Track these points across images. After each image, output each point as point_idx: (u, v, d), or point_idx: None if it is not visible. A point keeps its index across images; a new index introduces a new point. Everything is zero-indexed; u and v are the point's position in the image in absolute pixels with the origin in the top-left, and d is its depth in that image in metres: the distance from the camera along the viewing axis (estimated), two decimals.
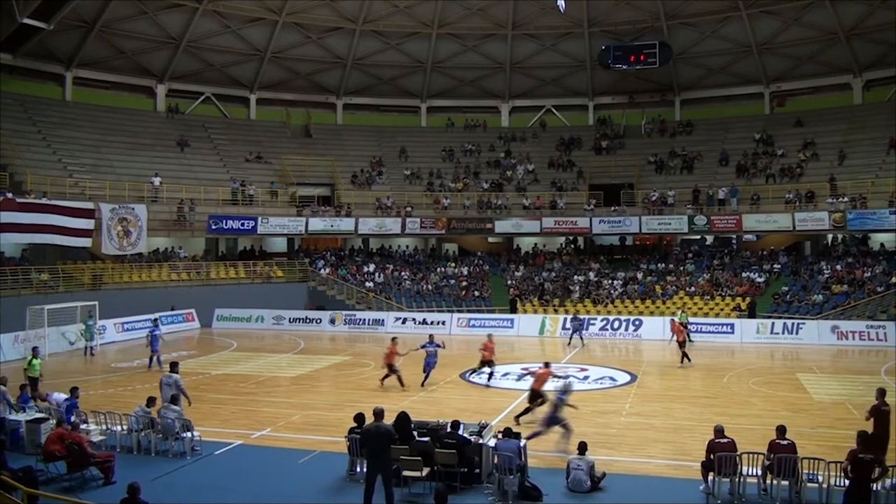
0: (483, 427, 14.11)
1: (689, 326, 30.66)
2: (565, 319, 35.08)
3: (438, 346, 22.53)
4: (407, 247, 47.62)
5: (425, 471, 12.83)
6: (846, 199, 38.61)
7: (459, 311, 38.32)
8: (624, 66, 47.85)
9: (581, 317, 33.82)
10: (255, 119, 50.96)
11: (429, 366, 22.26)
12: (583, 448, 13.46)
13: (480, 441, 13.54)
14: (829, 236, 41.88)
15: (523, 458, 13.16)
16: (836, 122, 45.71)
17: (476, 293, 40.60)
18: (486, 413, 17.65)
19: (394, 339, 22.89)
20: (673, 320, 30.19)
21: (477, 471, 13.29)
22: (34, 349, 20.89)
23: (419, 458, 12.90)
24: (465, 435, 13.54)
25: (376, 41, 48.90)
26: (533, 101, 53.09)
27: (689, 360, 26.45)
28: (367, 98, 52.72)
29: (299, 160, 47.55)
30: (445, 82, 52.02)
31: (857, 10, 42.99)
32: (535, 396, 17.52)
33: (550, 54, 50.01)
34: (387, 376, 22.14)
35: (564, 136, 50.77)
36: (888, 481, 11.83)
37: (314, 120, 51.66)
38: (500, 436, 13.45)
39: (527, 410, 17.53)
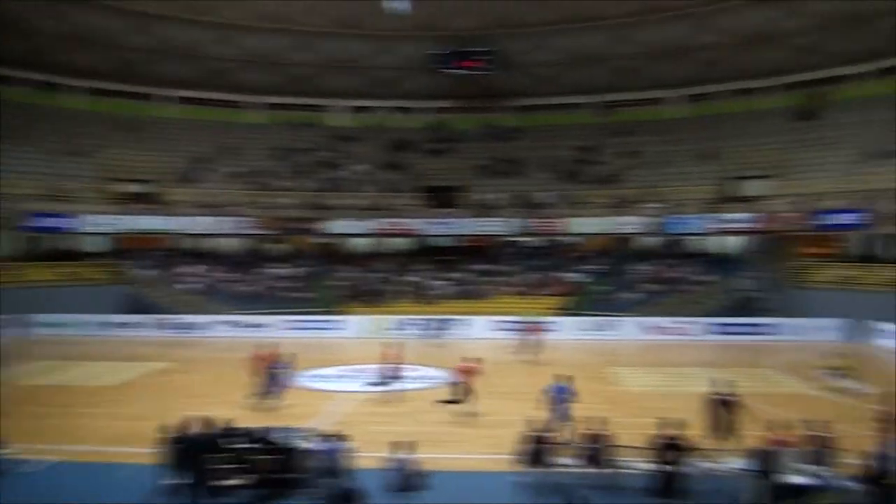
0: (307, 431, 13.83)
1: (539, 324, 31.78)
2: (392, 320, 35.19)
3: (287, 366, 20.64)
4: (234, 247, 45.99)
5: (247, 478, 12.44)
6: (663, 205, 40.92)
7: (288, 314, 37.42)
8: (458, 71, 48.62)
9: (447, 318, 33.91)
10: (77, 110, 47.69)
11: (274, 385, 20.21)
12: (404, 447, 13.37)
13: (303, 445, 13.27)
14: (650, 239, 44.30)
15: (345, 461, 12.96)
16: (655, 132, 48.38)
17: (305, 295, 39.86)
18: (312, 417, 17.28)
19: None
20: (529, 323, 30.21)
21: (299, 476, 12.98)
22: None
23: (241, 465, 12.48)
24: (288, 439, 13.27)
25: (212, 33, 47.08)
26: (368, 102, 52.94)
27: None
28: (198, 91, 50.73)
29: (124, 155, 45.08)
30: (280, 78, 50.95)
31: (679, 30, 45.74)
32: (462, 390, 18.58)
33: (385, 56, 50.00)
34: None
35: (398, 137, 50.91)
36: (697, 463, 12.59)
37: (142, 113, 49.16)
38: (322, 439, 13.22)
39: (454, 401, 18.52)
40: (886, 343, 30.77)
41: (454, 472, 14.16)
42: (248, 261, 44.17)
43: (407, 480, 12.90)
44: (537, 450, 13.01)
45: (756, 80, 47.41)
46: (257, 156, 48.72)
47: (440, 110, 53.32)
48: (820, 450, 12.94)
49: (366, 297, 39.23)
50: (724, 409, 14.46)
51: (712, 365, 26.63)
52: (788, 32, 43.99)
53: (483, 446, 15.95)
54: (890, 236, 36.81)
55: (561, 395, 16.07)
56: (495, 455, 15.09)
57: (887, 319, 31.58)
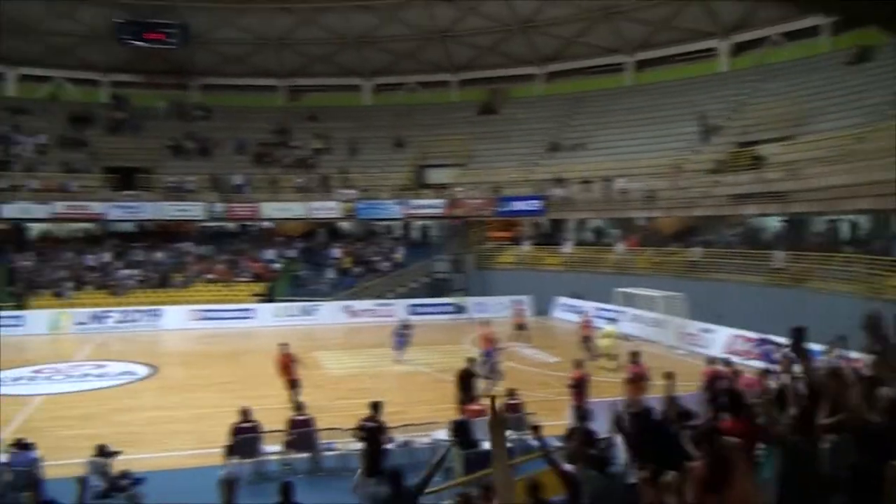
0: None
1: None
2: (75, 313, 32.51)
3: None
4: None
5: None
6: (356, 190, 41.75)
7: None
8: (140, 43, 45.86)
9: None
10: None
11: None
12: (101, 451, 12.47)
13: None
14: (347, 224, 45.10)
15: (38, 472, 11.90)
16: (347, 119, 49.10)
17: None
18: None
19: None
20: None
21: None
22: None
23: None
24: None
25: None
26: (44, 71, 48.06)
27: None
28: None
29: None
30: None
31: (367, 19, 46.92)
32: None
33: (63, 20, 45.43)
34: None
35: (76, 111, 46.64)
36: (399, 438, 13.15)
37: None
38: (12, 449, 12.10)
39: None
40: (563, 315, 34.12)
41: (158, 472, 13.46)
42: None
43: (108, 486, 12.12)
44: (244, 440, 12.75)
45: (441, 73, 50.01)
46: None
47: (122, 84, 49.75)
48: (515, 415, 14.12)
49: (45, 289, 35.50)
50: (467, 382, 15.47)
51: (414, 344, 27.72)
52: (470, 32, 47.08)
53: (186, 441, 15.40)
54: (561, 221, 40.73)
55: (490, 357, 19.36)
56: (201, 450, 14.63)
57: (563, 294, 35.10)
